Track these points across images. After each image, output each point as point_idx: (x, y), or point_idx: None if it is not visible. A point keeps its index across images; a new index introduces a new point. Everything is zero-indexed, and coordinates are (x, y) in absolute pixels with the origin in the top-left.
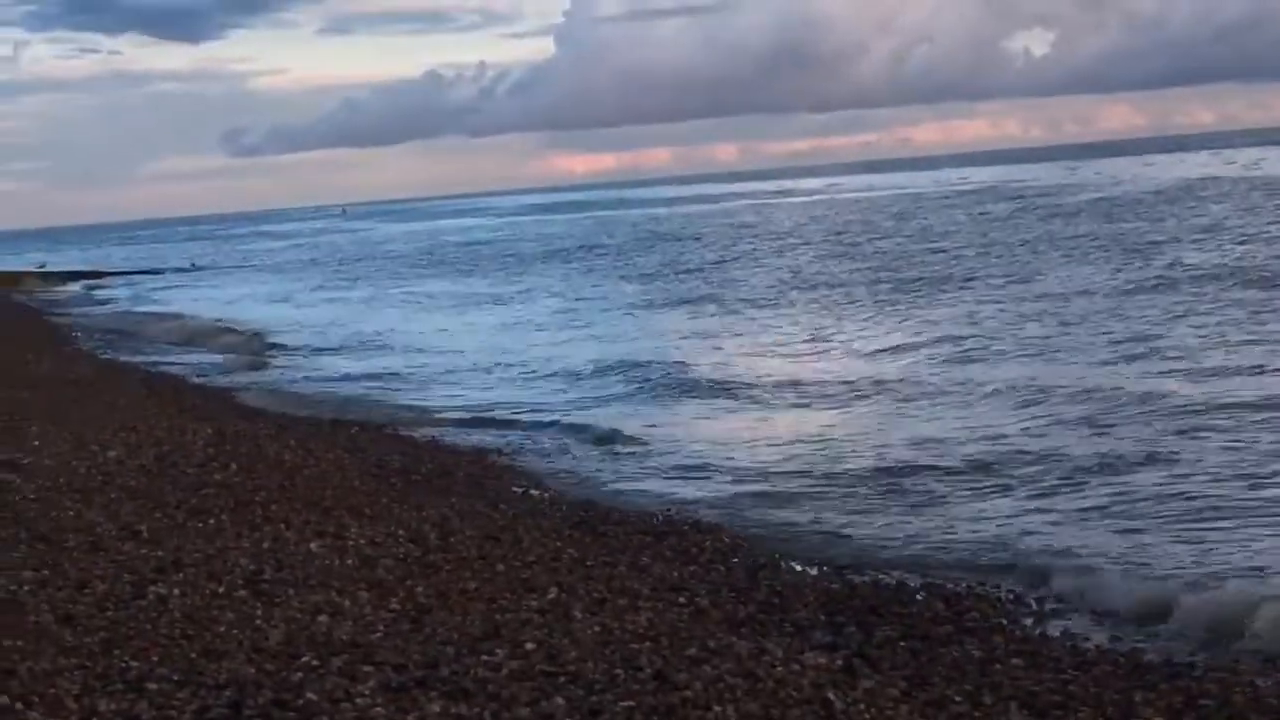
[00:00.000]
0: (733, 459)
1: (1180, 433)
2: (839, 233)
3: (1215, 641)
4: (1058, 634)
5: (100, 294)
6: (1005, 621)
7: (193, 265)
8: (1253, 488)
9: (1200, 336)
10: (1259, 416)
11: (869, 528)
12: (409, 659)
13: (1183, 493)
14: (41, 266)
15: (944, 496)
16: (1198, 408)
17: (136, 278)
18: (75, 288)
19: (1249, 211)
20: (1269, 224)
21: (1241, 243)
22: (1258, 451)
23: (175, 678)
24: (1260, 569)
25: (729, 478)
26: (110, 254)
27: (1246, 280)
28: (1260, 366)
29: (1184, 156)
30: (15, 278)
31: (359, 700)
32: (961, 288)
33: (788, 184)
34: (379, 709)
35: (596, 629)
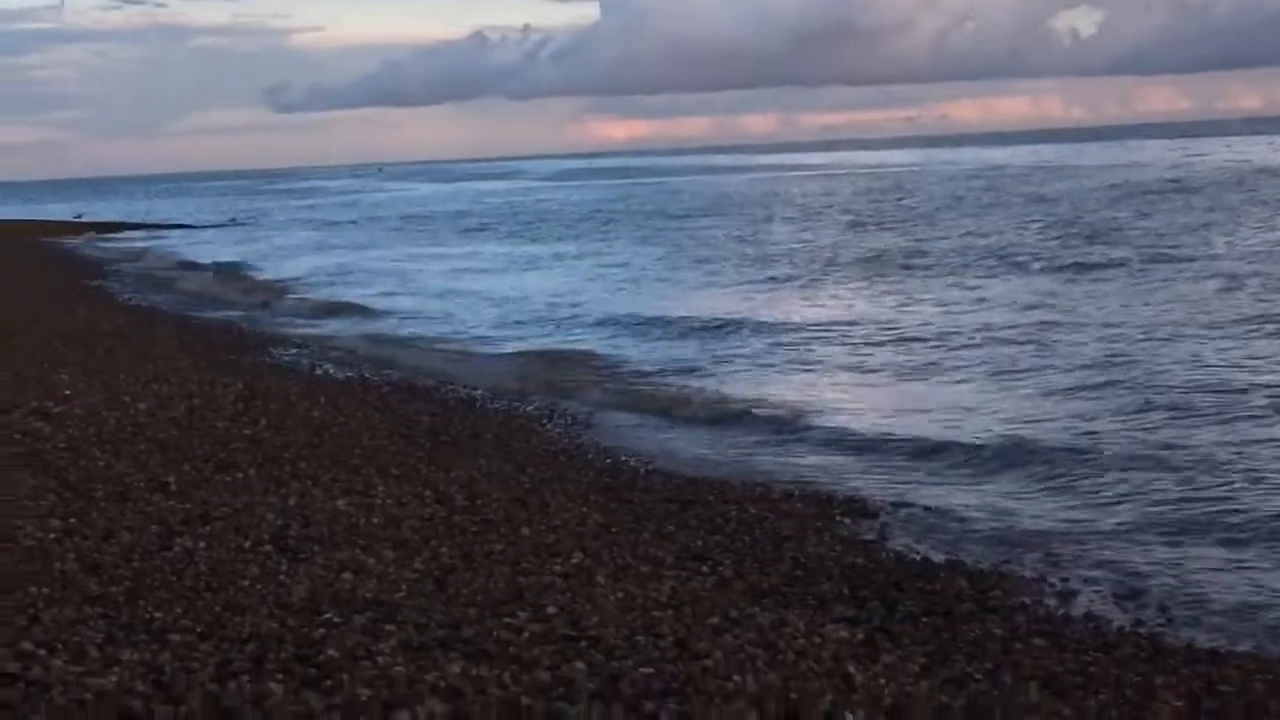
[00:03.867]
0: (777, 424)
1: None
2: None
3: (1239, 629)
4: (1080, 615)
5: (141, 245)
6: (1028, 600)
7: (233, 220)
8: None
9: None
10: None
11: (899, 501)
12: (431, 619)
13: (1217, 484)
14: (78, 216)
15: (973, 473)
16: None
17: (176, 231)
18: (122, 238)
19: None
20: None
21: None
22: None
23: (198, 630)
24: None
25: (769, 441)
26: (150, 206)
27: None
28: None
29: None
30: (66, 228)
31: (380, 658)
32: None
33: (823, 157)
34: (399, 668)
35: (619, 595)
